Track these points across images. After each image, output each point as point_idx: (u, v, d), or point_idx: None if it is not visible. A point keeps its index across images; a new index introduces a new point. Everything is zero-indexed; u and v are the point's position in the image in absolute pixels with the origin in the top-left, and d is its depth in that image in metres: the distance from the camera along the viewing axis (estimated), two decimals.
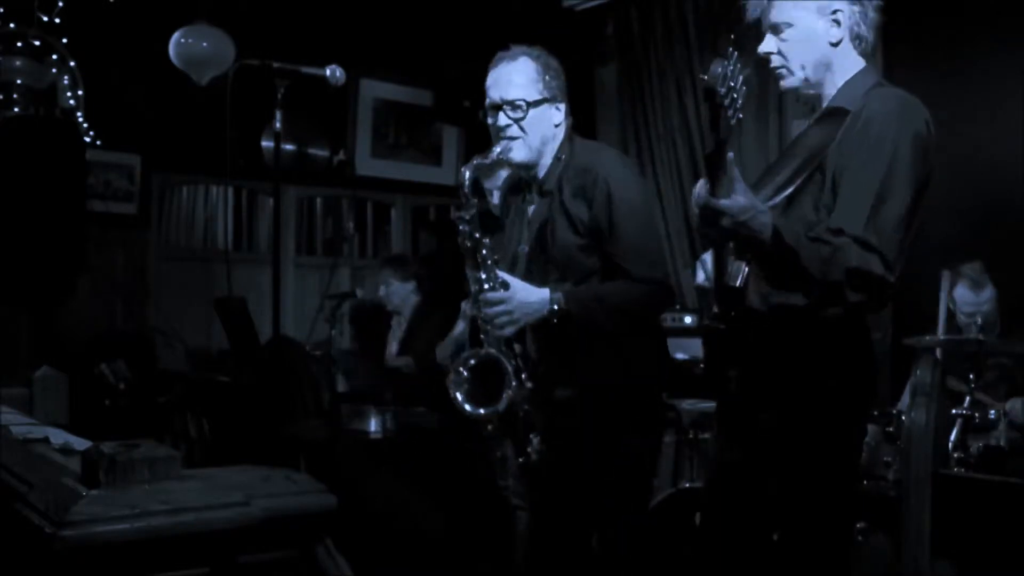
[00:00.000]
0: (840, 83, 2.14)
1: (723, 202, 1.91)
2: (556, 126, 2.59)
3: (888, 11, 2.22)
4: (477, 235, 2.51)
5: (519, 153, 2.55)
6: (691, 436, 3.88)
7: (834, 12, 2.12)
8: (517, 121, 2.53)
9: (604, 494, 2.53)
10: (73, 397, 3.44)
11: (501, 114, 2.54)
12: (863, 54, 2.16)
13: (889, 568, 3.03)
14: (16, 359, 4.38)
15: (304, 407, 4.18)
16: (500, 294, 2.46)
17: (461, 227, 2.52)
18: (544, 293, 2.46)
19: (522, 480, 2.70)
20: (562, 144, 2.60)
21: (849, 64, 2.15)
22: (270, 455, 2.09)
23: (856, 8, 2.12)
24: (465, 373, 2.50)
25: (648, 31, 5.62)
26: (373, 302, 5.31)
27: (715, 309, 2.21)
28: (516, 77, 2.54)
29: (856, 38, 2.14)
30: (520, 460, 2.52)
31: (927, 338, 3.22)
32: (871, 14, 2.14)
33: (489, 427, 2.53)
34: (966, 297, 3.76)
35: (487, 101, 2.58)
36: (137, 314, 5.28)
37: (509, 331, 2.47)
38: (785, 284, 2.05)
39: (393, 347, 5.10)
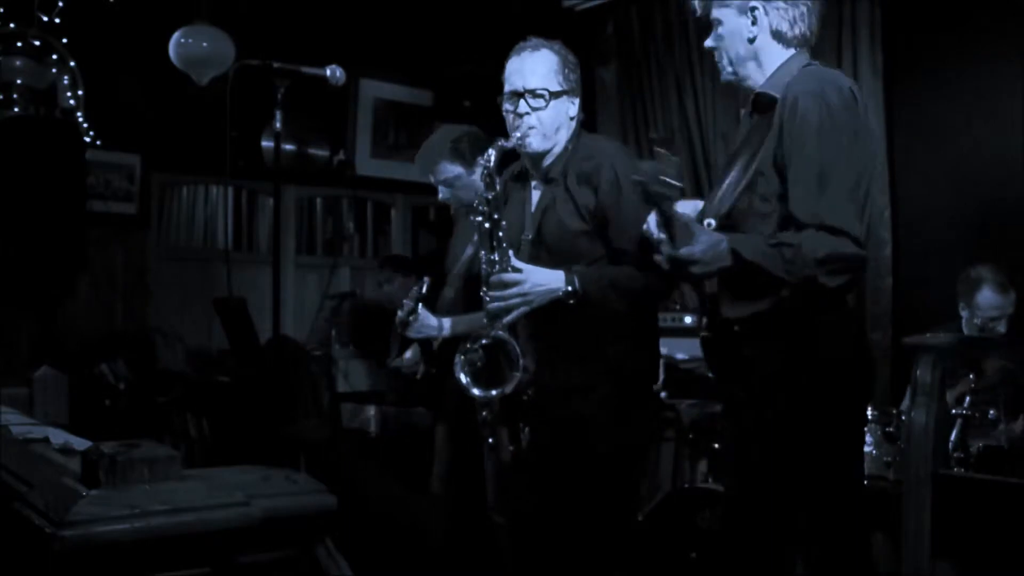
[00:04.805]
0: (769, 74, 2.21)
1: (684, 252, 1.98)
2: (571, 119, 2.63)
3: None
4: (496, 216, 2.53)
5: (536, 142, 2.59)
6: (691, 436, 3.87)
7: (752, 10, 2.19)
8: (537, 110, 2.56)
9: (591, 489, 2.54)
10: (73, 397, 3.43)
11: (522, 102, 2.57)
12: (791, 46, 2.21)
13: (889, 568, 3.03)
14: (16, 359, 4.38)
15: (304, 407, 4.18)
16: (516, 276, 2.48)
17: (481, 207, 2.54)
18: (558, 274, 2.48)
19: (504, 476, 2.71)
20: (571, 136, 2.64)
21: (776, 56, 2.21)
22: (270, 455, 2.09)
23: (779, 5, 2.18)
24: (476, 356, 2.51)
25: (648, 31, 5.62)
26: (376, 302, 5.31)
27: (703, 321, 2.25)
28: (539, 68, 2.58)
29: (775, 34, 2.19)
30: (511, 448, 2.54)
31: (927, 338, 3.21)
32: (800, 8, 2.19)
33: (485, 413, 2.54)
34: (992, 300, 3.69)
35: (507, 88, 2.60)
36: (137, 314, 5.27)
37: (522, 311, 2.48)
38: (752, 295, 2.08)
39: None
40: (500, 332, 2.49)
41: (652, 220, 2.10)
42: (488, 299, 2.52)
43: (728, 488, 2.46)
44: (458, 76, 5.77)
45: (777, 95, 2.14)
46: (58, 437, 2.03)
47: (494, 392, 2.49)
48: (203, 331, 5.26)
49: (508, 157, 2.71)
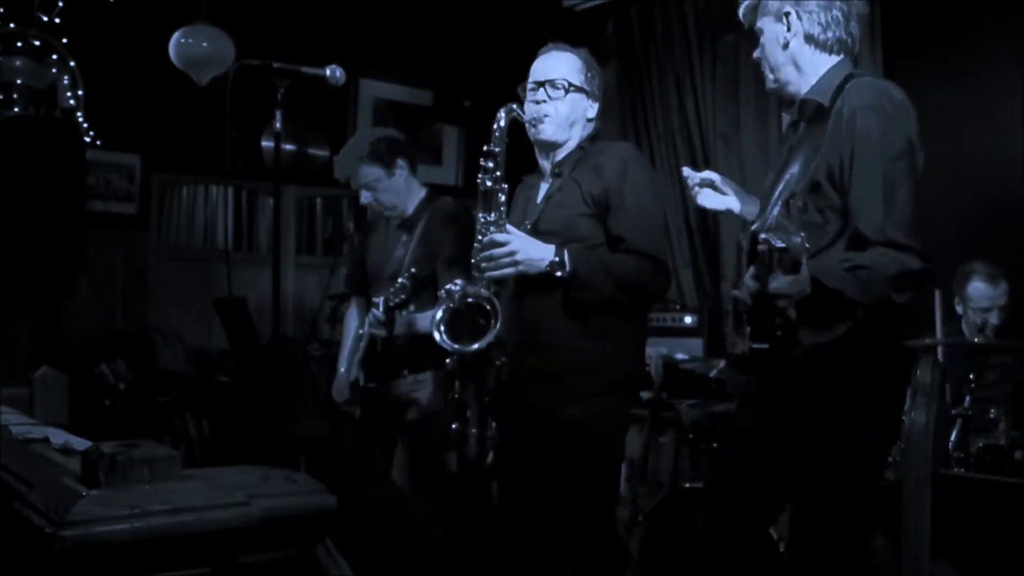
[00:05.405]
0: (812, 80, 2.21)
1: (773, 287, 1.93)
2: (588, 120, 2.68)
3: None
4: (499, 174, 2.57)
5: (548, 129, 2.63)
6: (691, 436, 3.87)
7: (785, 15, 2.20)
8: (554, 100, 2.61)
9: (560, 484, 2.56)
10: (73, 397, 3.43)
11: (541, 90, 2.63)
12: (829, 51, 2.21)
13: (889, 568, 3.03)
14: (16, 359, 4.37)
15: (304, 407, 4.19)
16: (507, 236, 2.50)
17: (486, 163, 2.58)
18: (550, 246, 2.51)
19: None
20: (586, 137, 2.68)
21: (819, 61, 2.21)
22: (270, 455, 2.09)
23: (811, 8, 2.18)
24: (456, 303, 2.55)
25: (648, 31, 5.62)
26: None
27: (747, 330, 2.22)
28: (563, 64, 2.65)
29: (808, 37, 2.20)
30: (474, 431, 2.56)
31: (927, 338, 3.22)
32: (833, 12, 2.19)
33: (454, 394, 2.57)
34: (983, 291, 3.76)
35: (530, 81, 2.66)
36: (137, 314, 5.27)
37: (508, 272, 2.50)
38: (833, 320, 2.06)
39: None
40: (483, 290, 2.52)
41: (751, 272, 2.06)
42: (477, 259, 2.55)
43: (742, 488, 2.43)
44: (458, 76, 5.77)
45: (824, 102, 2.14)
46: (58, 437, 2.03)
47: (475, 346, 2.51)
48: (203, 331, 5.26)
49: (521, 162, 2.73)
